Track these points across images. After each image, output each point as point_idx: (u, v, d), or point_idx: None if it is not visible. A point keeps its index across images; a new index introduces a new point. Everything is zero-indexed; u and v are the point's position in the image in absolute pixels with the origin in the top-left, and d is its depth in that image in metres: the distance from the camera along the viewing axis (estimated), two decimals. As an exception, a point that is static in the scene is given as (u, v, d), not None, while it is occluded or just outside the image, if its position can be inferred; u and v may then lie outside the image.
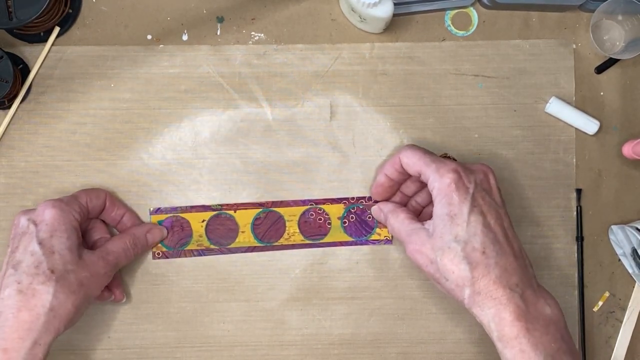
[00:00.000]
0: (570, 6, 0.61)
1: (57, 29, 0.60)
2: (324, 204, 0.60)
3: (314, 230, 0.60)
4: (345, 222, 0.60)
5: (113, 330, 0.60)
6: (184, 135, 0.61)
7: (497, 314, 0.47)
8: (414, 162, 0.53)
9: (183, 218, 0.60)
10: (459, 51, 0.61)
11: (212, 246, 0.60)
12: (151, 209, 0.60)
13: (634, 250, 0.59)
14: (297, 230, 0.60)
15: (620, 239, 0.60)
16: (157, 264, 0.60)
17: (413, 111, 0.61)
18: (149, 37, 0.61)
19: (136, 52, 0.61)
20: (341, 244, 0.60)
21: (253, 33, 0.61)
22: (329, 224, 0.60)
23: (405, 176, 0.56)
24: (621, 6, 0.60)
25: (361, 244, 0.60)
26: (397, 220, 0.55)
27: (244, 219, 0.60)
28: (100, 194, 0.57)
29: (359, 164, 0.61)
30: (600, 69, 0.62)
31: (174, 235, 0.60)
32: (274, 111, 0.61)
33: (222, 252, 0.60)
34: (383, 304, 0.61)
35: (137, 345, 0.60)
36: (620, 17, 0.62)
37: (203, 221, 0.60)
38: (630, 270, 0.61)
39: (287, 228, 0.60)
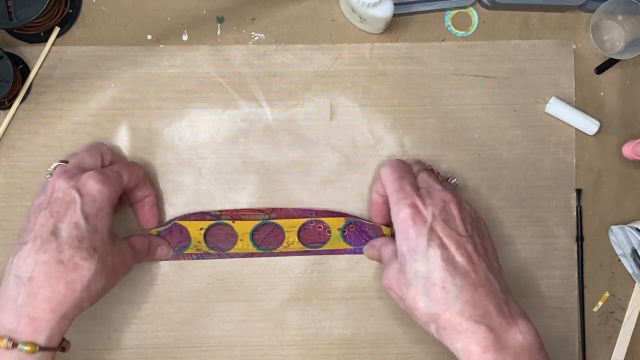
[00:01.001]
0: (570, 6, 0.61)
1: (57, 29, 0.60)
2: (324, 216, 0.60)
3: (314, 237, 0.60)
4: (345, 232, 0.60)
5: (113, 330, 0.60)
6: (184, 135, 0.61)
7: (465, 348, 0.46)
8: (385, 185, 0.53)
9: (181, 225, 0.59)
10: (459, 51, 0.61)
11: (211, 251, 0.60)
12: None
13: (634, 251, 0.59)
14: (297, 240, 0.60)
15: (620, 239, 0.60)
16: (157, 264, 0.60)
17: (413, 111, 0.61)
18: (149, 37, 0.61)
19: (136, 52, 0.61)
20: (340, 252, 0.60)
21: (253, 33, 0.61)
22: (329, 232, 0.60)
23: None
24: (621, 6, 0.60)
25: (360, 253, 0.60)
26: (386, 252, 0.54)
27: (243, 229, 0.59)
28: (138, 173, 0.56)
29: (359, 164, 0.61)
30: (600, 69, 0.62)
31: (173, 238, 0.59)
32: (274, 111, 0.61)
33: (221, 257, 0.60)
34: (383, 304, 0.61)
35: (137, 345, 0.60)
36: (620, 17, 0.62)
37: (201, 229, 0.59)
38: (630, 271, 0.61)
39: (286, 237, 0.60)
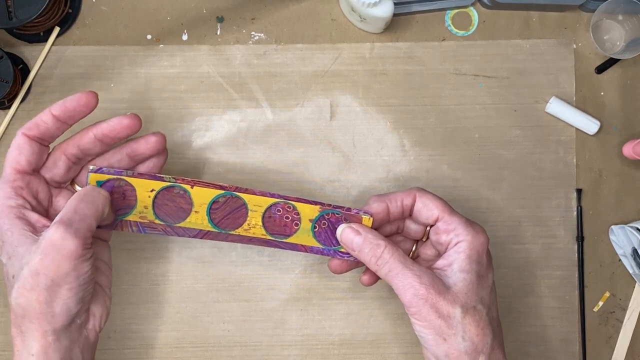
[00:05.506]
0: (570, 6, 0.61)
1: (57, 29, 0.60)
2: (296, 201, 0.52)
3: (278, 228, 0.52)
4: (315, 227, 0.52)
5: (113, 330, 0.60)
6: (183, 135, 0.61)
7: None
8: (434, 207, 0.50)
9: (128, 183, 0.50)
10: (459, 51, 0.61)
11: (157, 221, 0.51)
12: (91, 167, 0.50)
13: (634, 251, 0.59)
14: (260, 223, 0.52)
15: (621, 239, 0.60)
16: (158, 264, 0.60)
17: (413, 111, 0.61)
18: (149, 37, 0.61)
19: (136, 52, 0.61)
20: (305, 248, 0.53)
21: (253, 33, 0.61)
22: (297, 224, 0.52)
23: (396, 217, 0.52)
24: (621, 6, 0.60)
25: (328, 254, 0.53)
26: (397, 254, 0.48)
27: (201, 198, 0.51)
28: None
29: (359, 164, 0.61)
30: (600, 69, 0.62)
31: (113, 202, 0.50)
32: (274, 111, 0.61)
33: (166, 232, 0.51)
34: (383, 304, 0.61)
35: (137, 345, 0.60)
36: (620, 17, 0.62)
37: (152, 191, 0.50)
38: (630, 271, 0.61)
39: (248, 218, 0.52)
